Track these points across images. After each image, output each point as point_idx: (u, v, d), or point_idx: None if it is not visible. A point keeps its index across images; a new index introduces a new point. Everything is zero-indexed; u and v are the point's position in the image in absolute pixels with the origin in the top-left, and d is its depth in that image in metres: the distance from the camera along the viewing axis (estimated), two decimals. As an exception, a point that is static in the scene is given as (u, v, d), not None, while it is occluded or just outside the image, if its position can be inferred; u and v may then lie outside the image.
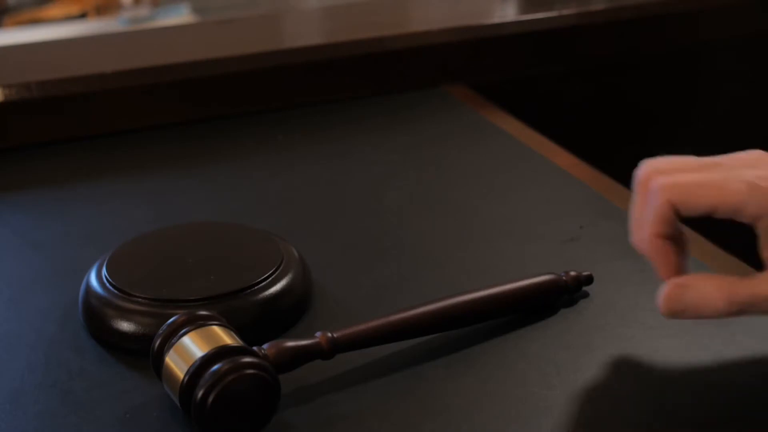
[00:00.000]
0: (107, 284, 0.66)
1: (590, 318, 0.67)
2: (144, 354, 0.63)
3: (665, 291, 0.55)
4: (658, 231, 0.55)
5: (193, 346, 0.57)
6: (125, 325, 0.64)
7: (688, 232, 0.58)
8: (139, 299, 0.64)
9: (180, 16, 2.80)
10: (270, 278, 0.66)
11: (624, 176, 0.88)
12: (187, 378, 0.55)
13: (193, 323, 0.58)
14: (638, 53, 1.28)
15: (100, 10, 3.10)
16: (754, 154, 0.56)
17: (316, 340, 0.59)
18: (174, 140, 1.03)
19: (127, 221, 0.84)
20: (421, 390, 0.60)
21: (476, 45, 1.17)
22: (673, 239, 0.56)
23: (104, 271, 0.67)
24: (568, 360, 0.62)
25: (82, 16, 3.09)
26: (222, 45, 1.16)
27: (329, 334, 0.60)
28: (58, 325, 0.67)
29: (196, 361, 0.55)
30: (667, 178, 0.54)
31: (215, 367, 0.54)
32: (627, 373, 0.61)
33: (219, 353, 0.55)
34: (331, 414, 0.57)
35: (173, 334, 0.58)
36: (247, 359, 0.55)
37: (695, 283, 0.55)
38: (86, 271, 0.69)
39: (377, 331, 0.61)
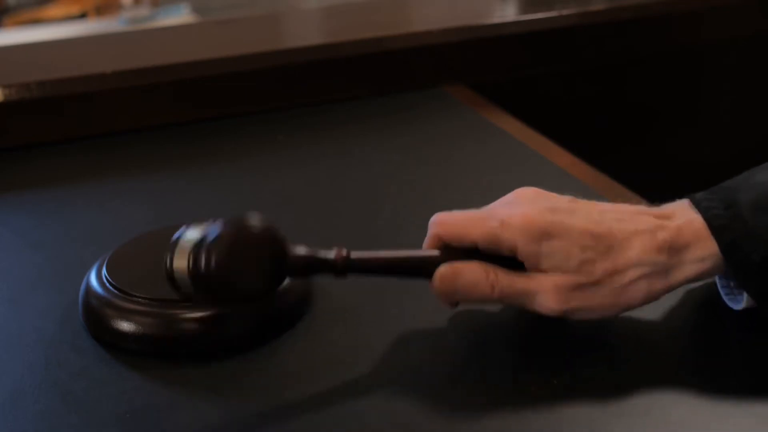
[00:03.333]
0: (107, 284, 0.66)
1: (590, 318, 0.67)
2: (144, 354, 0.63)
3: (439, 272, 0.62)
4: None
5: (192, 234, 0.58)
6: (125, 325, 0.64)
7: None
8: (139, 299, 0.64)
9: (180, 16, 2.80)
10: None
11: (624, 176, 0.88)
12: (192, 255, 0.56)
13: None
14: (638, 53, 1.28)
15: (100, 10, 3.10)
16: (525, 193, 0.64)
17: (332, 255, 0.61)
18: (174, 140, 1.03)
19: (127, 221, 0.84)
20: (421, 390, 0.60)
21: (476, 45, 1.17)
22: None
23: (104, 271, 0.67)
24: (568, 360, 0.62)
25: (82, 16, 3.09)
26: (222, 45, 1.16)
27: (344, 253, 0.61)
28: (58, 325, 0.67)
29: (197, 240, 0.56)
30: (442, 216, 0.64)
31: (217, 231, 0.56)
32: (626, 371, 0.61)
33: (220, 223, 0.57)
34: (332, 414, 0.57)
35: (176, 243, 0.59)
36: (250, 221, 0.56)
37: (467, 268, 0.62)
38: (86, 271, 0.69)
39: (390, 261, 0.63)
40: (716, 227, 0.61)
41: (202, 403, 0.59)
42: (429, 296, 0.67)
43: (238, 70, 1.08)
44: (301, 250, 0.61)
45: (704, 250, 0.61)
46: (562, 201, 0.63)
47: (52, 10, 3.10)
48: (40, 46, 1.25)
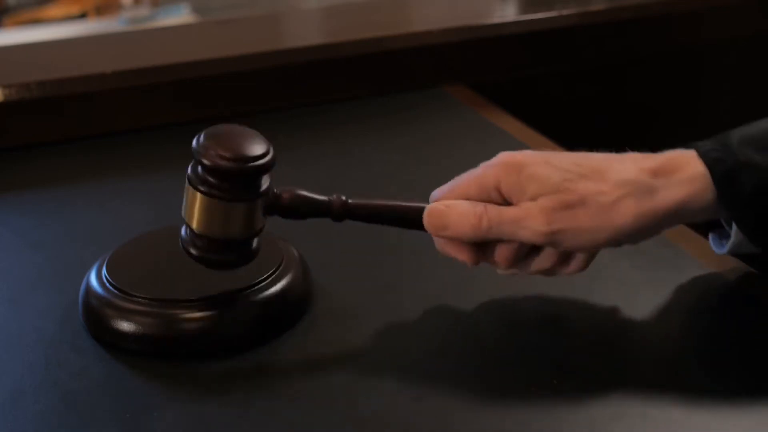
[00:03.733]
0: (107, 284, 0.66)
1: (589, 315, 0.67)
2: (144, 354, 0.63)
3: (429, 207, 0.63)
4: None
5: None
6: (125, 325, 0.64)
7: None
8: (139, 299, 0.64)
9: (180, 16, 2.80)
10: (270, 278, 0.66)
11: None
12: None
13: None
14: (638, 53, 1.28)
15: (100, 10, 3.09)
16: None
17: (330, 199, 0.63)
18: (174, 140, 1.03)
19: (127, 221, 0.84)
20: (421, 390, 0.60)
21: (476, 45, 1.17)
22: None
23: (104, 271, 0.67)
24: (569, 360, 0.62)
25: (82, 16, 3.08)
26: (222, 45, 1.16)
27: (343, 198, 0.63)
28: (58, 325, 0.67)
29: None
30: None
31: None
32: (626, 372, 0.61)
33: None
34: (332, 414, 0.57)
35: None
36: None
37: (456, 203, 0.63)
38: (86, 271, 0.69)
39: (386, 208, 0.65)
40: (709, 159, 0.60)
41: (202, 403, 0.59)
42: (426, 296, 0.68)
43: (238, 70, 1.08)
44: (300, 192, 0.63)
45: (692, 171, 0.60)
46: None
47: (52, 10, 3.10)
48: (40, 46, 1.25)
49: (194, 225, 0.61)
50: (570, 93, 1.26)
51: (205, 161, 0.58)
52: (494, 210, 0.61)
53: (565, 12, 1.22)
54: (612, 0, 1.27)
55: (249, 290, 0.65)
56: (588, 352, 0.63)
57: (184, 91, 1.06)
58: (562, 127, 1.09)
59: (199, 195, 0.60)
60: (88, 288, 0.67)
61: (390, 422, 0.57)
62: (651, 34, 1.28)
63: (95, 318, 0.66)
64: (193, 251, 0.62)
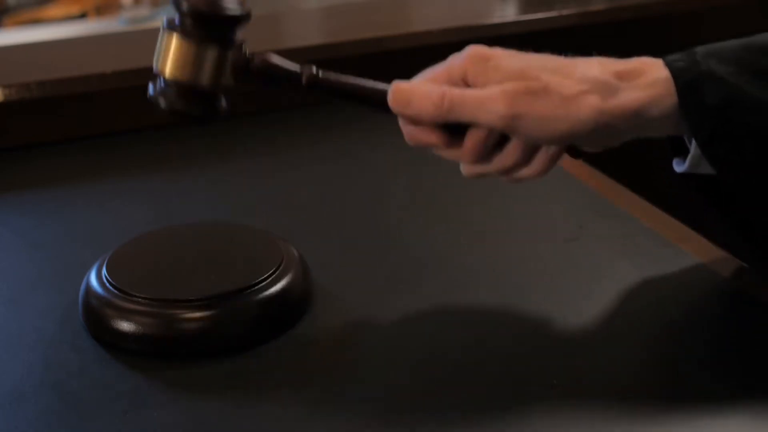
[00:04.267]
0: (107, 284, 0.66)
1: (589, 316, 0.67)
2: (144, 354, 0.63)
3: (394, 85, 0.63)
4: None
5: None
6: (125, 325, 0.64)
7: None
8: (139, 299, 0.64)
9: (180, 16, 2.80)
10: (270, 278, 0.66)
11: (624, 176, 0.88)
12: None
13: None
14: (638, 53, 1.28)
15: (100, 10, 3.09)
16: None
17: (301, 69, 0.64)
18: (174, 140, 1.03)
19: (127, 221, 0.84)
20: (421, 390, 0.60)
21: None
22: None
23: (104, 271, 0.67)
24: (569, 361, 0.62)
25: (82, 16, 3.08)
26: (222, 45, 1.15)
27: (314, 71, 0.64)
28: (58, 325, 0.67)
29: None
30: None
31: None
32: (626, 372, 0.61)
33: None
34: (332, 413, 0.57)
35: None
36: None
37: (420, 83, 0.63)
38: (86, 271, 0.69)
39: (354, 87, 0.65)
40: (674, 68, 0.61)
41: (202, 403, 0.59)
42: (429, 297, 0.68)
43: (238, 70, 1.08)
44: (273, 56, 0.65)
45: (656, 76, 0.61)
46: None
47: (52, 10, 3.10)
48: (40, 46, 1.25)
49: (166, 69, 0.62)
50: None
51: (185, 3, 0.61)
52: (457, 90, 0.61)
53: (565, 12, 1.22)
54: (612, 0, 1.27)
55: (249, 290, 0.65)
56: (588, 352, 0.63)
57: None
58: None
59: (174, 36, 0.62)
60: (88, 288, 0.67)
61: (390, 422, 0.57)
62: (651, 34, 1.27)
63: (95, 318, 0.66)
64: (162, 102, 0.63)
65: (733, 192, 0.67)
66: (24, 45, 1.27)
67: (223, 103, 0.65)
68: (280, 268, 0.68)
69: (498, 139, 0.63)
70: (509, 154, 0.63)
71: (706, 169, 0.65)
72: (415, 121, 0.63)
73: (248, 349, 0.64)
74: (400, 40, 1.15)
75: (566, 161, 0.94)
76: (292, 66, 0.65)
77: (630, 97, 0.61)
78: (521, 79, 0.60)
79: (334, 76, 0.65)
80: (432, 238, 0.79)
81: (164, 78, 0.63)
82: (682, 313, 0.68)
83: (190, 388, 0.60)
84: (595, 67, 0.62)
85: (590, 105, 0.60)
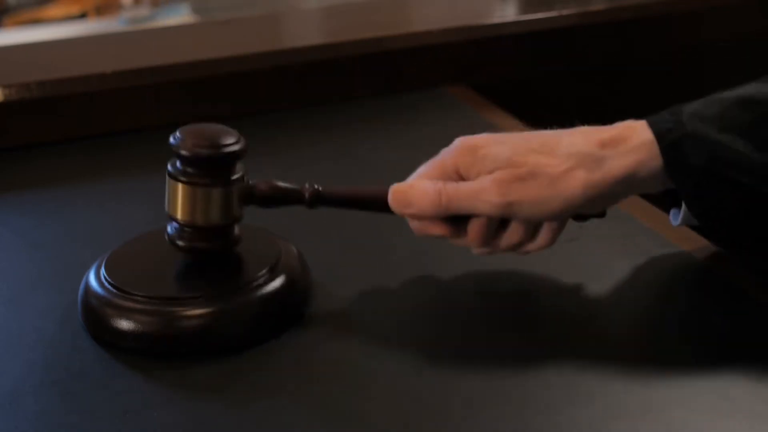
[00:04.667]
0: (106, 283, 0.66)
1: (589, 316, 0.67)
2: (144, 353, 0.63)
3: (392, 188, 0.67)
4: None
5: None
6: (125, 324, 0.64)
7: None
8: (138, 298, 0.64)
9: (180, 16, 2.80)
10: (269, 277, 0.67)
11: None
12: None
13: None
14: (638, 53, 1.28)
15: (100, 10, 3.09)
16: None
17: (302, 188, 0.68)
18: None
19: (127, 221, 0.84)
20: (421, 390, 0.60)
21: (476, 45, 1.17)
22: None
23: (103, 270, 0.67)
24: (569, 361, 0.62)
25: (82, 16, 3.08)
26: (222, 45, 1.16)
27: (315, 187, 0.67)
28: (58, 325, 0.67)
29: None
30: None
31: None
32: (627, 372, 0.61)
33: None
34: (332, 411, 0.57)
35: None
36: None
37: (417, 181, 0.66)
38: (86, 271, 0.69)
39: (355, 196, 0.69)
40: (657, 129, 0.63)
41: (202, 403, 0.59)
42: (429, 297, 0.68)
43: (238, 70, 1.08)
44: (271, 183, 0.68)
45: (640, 139, 0.63)
46: None
47: (52, 10, 3.09)
48: (40, 46, 1.25)
49: (179, 215, 0.66)
50: (570, 93, 1.26)
51: (184, 152, 0.64)
52: (452, 185, 0.65)
53: (565, 12, 1.22)
54: (612, 0, 1.27)
55: (249, 289, 0.65)
56: (588, 352, 0.63)
57: (184, 91, 1.06)
58: (561, 127, 1.09)
59: (180, 186, 0.65)
60: (88, 288, 0.67)
61: (390, 421, 0.57)
62: (651, 34, 1.28)
63: (95, 317, 0.66)
64: (180, 243, 0.67)
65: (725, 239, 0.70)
66: (24, 45, 1.27)
67: (236, 231, 0.68)
68: (280, 267, 0.68)
69: (500, 221, 0.66)
70: (513, 233, 0.66)
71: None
72: (418, 218, 0.66)
73: (248, 349, 0.64)
74: (400, 40, 1.15)
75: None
76: (293, 186, 0.68)
77: (615, 164, 0.63)
78: (510, 166, 0.63)
79: (335, 189, 0.69)
80: (432, 238, 0.79)
81: (178, 222, 0.66)
82: (682, 313, 0.68)
83: (190, 388, 0.60)
84: (579, 140, 0.63)
85: (578, 181, 0.62)
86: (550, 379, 0.60)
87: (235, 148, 0.65)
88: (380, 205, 0.68)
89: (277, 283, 0.66)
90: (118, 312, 0.64)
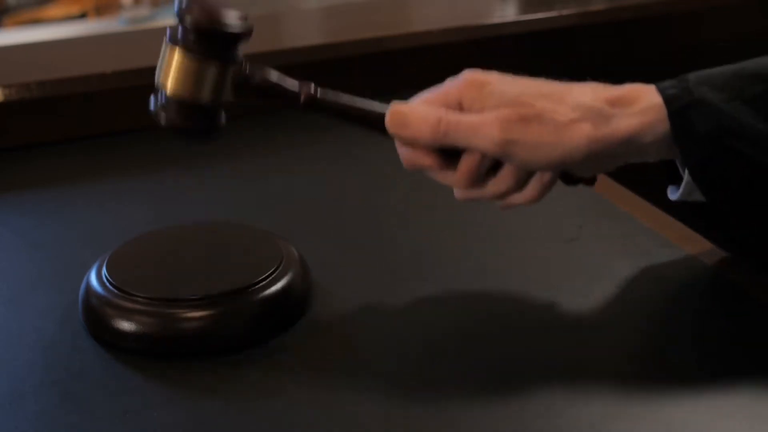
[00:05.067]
0: (107, 284, 0.66)
1: (589, 315, 0.67)
2: (144, 354, 0.63)
3: (391, 107, 0.65)
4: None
5: None
6: (125, 325, 0.64)
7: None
8: (139, 298, 0.64)
9: (180, 16, 2.79)
10: (270, 278, 0.66)
11: (624, 176, 0.88)
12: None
13: None
14: (638, 53, 1.28)
15: (100, 10, 3.09)
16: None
17: (299, 90, 0.65)
18: (174, 140, 1.03)
19: (127, 221, 0.84)
20: (421, 390, 0.60)
21: (476, 45, 1.17)
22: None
23: (104, 270, 0.67)
24: (569, 361, 0.62)
25: (82, 16, 3.08)
26: (222, 45, 1.15)
27: (312, 92, 0.65)
28: (58, 325, 0.67)
29: None
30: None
31: None
32: (627, 372, 0.61)
33: None
34: (332, 413, 0.57)
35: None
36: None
37: (418, 106, 0.65)
38: (86, 271, 0.69)
39: (351, 109, 0.67)
40: (666, 94, 0.62)
41: (202, 403, 0.59)
42: (429, 297, 0.68)
43: (238, 70, 1.08)
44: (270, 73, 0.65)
45: (648, 102, 0.62)
46: None
47: (52, 10, 3.10)
48: (40, 46, 1.25)
49: (168, 84, 0.63)
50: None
51: (188, 18, 0.62)
52: (453, 115, 0.62)
53: (565, 12, 1.22)
54: (612, 0, 1.27)
55: (249, 290, 0.65)
56: (588, 353, 0.63)
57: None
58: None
59: (177, 51, 0.63)
60: (89, 287, 0.67)
61: (391, 421, 0.57)
62: (651, 34, 1.28)
63: (95, 318, 0.66)
64: (162, 118, 0.64)
65: (727, 216, 0.69)
66: (24, 45, 1.27)
67: (222, 119, 0.65)
68: (280, 267, 0.68)
69: (492, 165, 0.64)
70: (502, 179, 0.64)
71: (700, 196, 0.65)
72: (411, 143, 0.64)
73: (248, 349, 0.64)
74: (400, 40, 1.15)
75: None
76: (291, 84, 0.65)
77: (623, 124, 0.62)
78: (516, 105, 0.61)
79: (332, 95, 0.66)
80: (432, 238, 0.79)
81: (165, 93, 0.63)
82: (682, 313, 0.68)
83: (190, 388, 0.60)
84: (588, 94, 0.62)
85: (583, 133, 0.61)
86: (551, 379, 0.60)
87: (239, 29, 0.62)
88: (375, 122, 0.65)
89: (278, 284, 0.66)
90: (118, 312, 0.64)
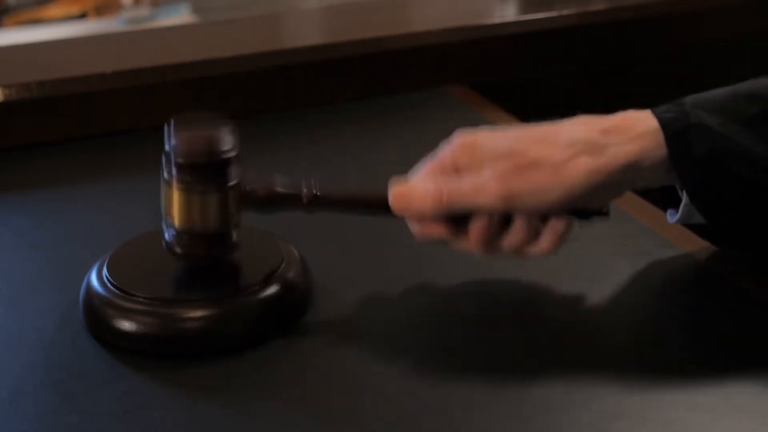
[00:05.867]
0: (108, 284, 0.66)
1: (589, 315, 0.67)
2: (144, 354, 0.63)
3: (393, 189, 0.65)
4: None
5: None
6: (126, 325, 0.64)
7: None
8: (140, 299, 0.64)
9: (180, 16, 2.80)
10: (270, 278, 0.67)
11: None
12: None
13: None
14: (638, 53, 1.28)
15: (100, 10, 3.09)
16: None
17: (301, 193, 0.66)
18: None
19: (127, 221, 0.84)
20: (421, 390, 0.60)
21: (476, 45, 1.17)
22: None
23: (105, 270, 0.67)
24: (569, 361, 0.62)
25: (82, 16, 3.08)
26: (222, 45, 1.16)
27: (314, 192, 0.66)
28: (58, 325, 0.67)
29: None
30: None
31: None
32: (626, 372, 0.61)
33: None
34: (332, 414, 0.57)
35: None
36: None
37: (417, 181, 0.66)
38: (86, 271, 0.69)
39: (354, 199, 0.68)
40: (662, 118, 0.62)
41: (202, 403, 0.59)
42: (429, 297, 0.68)
43: (238, 70, 1.08)
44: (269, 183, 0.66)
45: (644, 127, 0.62)
46: None
47: (52, 10, 3.09)
48: (40, 46, 1.25)
49: (176, 222, 0.64)
50: (570, 93, 1.26)
51: (179, 160, 0.63)
52: (453, 183, 0.64)
53: (565, 12, 1.22)
54: (612, 0, 1.26)
55: (249, 290, 0.65)
56: (588, 353, 0.63)
57: (184, 91, 1.06)
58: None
59: (175, 189, 0.64)
60: (89, 288, 0.67)
61: (391, 421, 0.57)
62: (651, 34, 1.27)
63: (96, 318, 0.66)
64: (178, 250, 0.65)
65: (728, 237, 0.69)
66: (24, 45, 1.27)
67: (234, 237, 0.67)
68: (280, 268, 0.68)
69: (502, 222, 0.64)
70: (515, 232, 0.65)
71: (699, 219, 0.66)
72: (419, 218, 0.65)
73: (248, 349, 0.64)
74: (400, 40, 1.15)
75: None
76: (292, 189, 0.66)
77: (620, 151, 0.62)
78: (510, 157, 0.62)
79: (334, 190, 0.67)
80: (433, 243, 0.79)
81: (174, 227, 0.65)
82: (683, 312, 0.68)
83: (190, 388, 0.60)
84: (581, 128, 0.63)
85: (581, 167, 0.62)
86: (551, 380, 0.60)
87: (232, 153, 0.64)
88: (381, 207, 0.66)
89: (279, 286, 0.66)
90: (119, 312, 0.64)
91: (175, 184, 0.64)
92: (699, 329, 0.65)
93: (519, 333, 0.66)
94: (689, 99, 0.64)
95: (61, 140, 1.02)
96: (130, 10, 3.01)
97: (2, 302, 0.71)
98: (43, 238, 0.82)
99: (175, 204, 0.64)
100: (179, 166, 0.63)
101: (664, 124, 0.62)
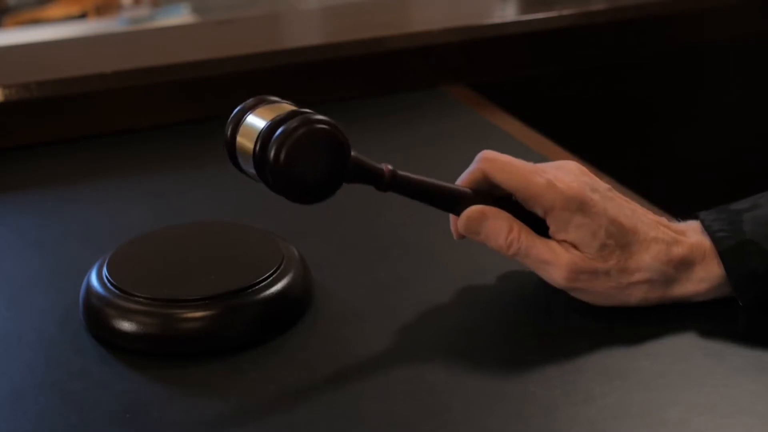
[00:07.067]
0: (108, 284, 0.66)
1: (589, 315, 0.67)
2: (144, 354, 0.63)
3: (468, 212, 0.65)
4: (465, 184, 0.67)
5: (259, 119, 0.60)
6: (126, 325, 0.64)
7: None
8: (140, 299, 0.64)
9: (180, 16, 2.80)
10: (270, 278, 0.67)
11: (624, 176, 0.88)
12: (258, 143, 0.57)
13: (259, 103, 0.62)
14: (638, 53, 1.28)
15: (100, 10, 3.09)
16: (569, 165, 0.67)
17: (382, 170, 0.64)
18: (174, 140, 1.03)
19: (127, 221, 0.84)
20: (421, 390, 0.60)
21: (476, 45, 1.17)
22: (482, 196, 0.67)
23: (105, 270, 0.67)
24: (569, 361, 0.62)
25: (82, 16, 3.08)
26: (222, 45, 1.16)
27: (392, 170, 0.65)
28: (58, 325, 0.67)
29: (264, 127, 0.58)
30: (491, 154, 0.66)
31: (285, 126, 0.57)
32: (626, 372, 0.61)
33: (288, 115, 0.58)
34: (332, 413, 0.57)
35: (241, 118, 0.61)
36: (317, 116, 0.58)
37: (495, 215, 0.65)
38: (86, 271, 0.69)
39: (428, 187, 0.66)
40: (722, 251, 0.63)
41: (202, 403, 0.59)
42: (426, 296, 0.67)
43: (238, 70, 1.08)
44: (357, 156, 0.64)
45: (707, 272, 0.64)
46: (603, 185, 0.66)
47: (52, 10, 3.09)
48: (40, 46, 1.25)
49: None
50: (570, 93, 1.27)
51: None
52: (527, 240, 0.64)
53: (565, 12, 1.22)
54: (612, 0, 1.27)
55: (249, 290, 0.65)
56: (588, 353, 0.63)
57: (184, 91, 1.06)
58: (562, 127, 1.09)
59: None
60: (89, 288, 0.67)
61: (392, 421, 0.57)
62: (651, 34, 1.28)
63: (96, 318, 0.66)
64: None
65: None
66: (24, 45, 1.27)
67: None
68: (280, 268, 0.68)
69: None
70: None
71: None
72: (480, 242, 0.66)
73: (248, 349, 0.64)
74: (400, 40, 1.15)
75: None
76: (373, 166, 0.66)
77: (678, 290, 0.65)
78: (593, 259, 0.63)
79: (412, 176, 0.67)
80: (432, 238, 0.79)
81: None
82: (682, 312, 0.68)
83: (190, 388, 0.60)
84: (662, 255, 0.64)
85: (638, 294, 0.65)
86: (551, 379, 0.60)
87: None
88: (451, 209, 0.67)
89: (279, 285, 0.66)
90: (119, 313, 0.64)
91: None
92: (699, 329, 0.65)
93: (519, 331, 0.66)
94: (748, 219, 0.64)
95: (61, 140, 1.02)
96: (130, 10, 3.01)
97: (2, 302, 0.71)
98: (43, 238, 0.82)
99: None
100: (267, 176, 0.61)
101: (729, 269, 0.63)
